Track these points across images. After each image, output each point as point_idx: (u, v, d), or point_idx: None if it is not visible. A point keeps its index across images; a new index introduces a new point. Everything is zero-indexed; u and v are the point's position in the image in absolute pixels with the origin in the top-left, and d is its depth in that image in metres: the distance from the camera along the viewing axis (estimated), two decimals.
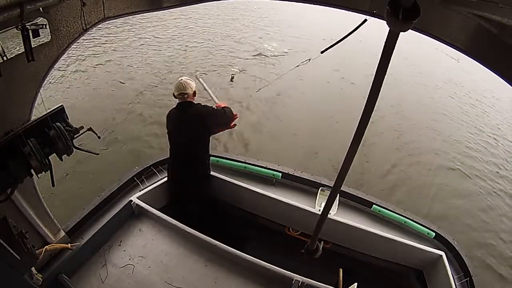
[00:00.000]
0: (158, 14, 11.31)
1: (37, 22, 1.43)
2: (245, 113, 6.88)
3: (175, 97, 2.69)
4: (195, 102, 2.71)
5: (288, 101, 7.59)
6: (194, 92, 2.67)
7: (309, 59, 1.89)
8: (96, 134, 1.91)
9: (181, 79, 2.65)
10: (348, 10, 1.68)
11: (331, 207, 1.60)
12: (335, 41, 1.44)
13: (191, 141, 2.76)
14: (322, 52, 1.55)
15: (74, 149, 1.76)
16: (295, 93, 7.93)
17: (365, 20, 1.40)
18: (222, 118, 2.75)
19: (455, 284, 2.50)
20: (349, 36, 1.42)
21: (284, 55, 10.31)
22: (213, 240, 2.40)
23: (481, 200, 5.92)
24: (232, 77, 2.86)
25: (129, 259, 2.32)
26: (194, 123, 2.68)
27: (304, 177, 3.16)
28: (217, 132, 2.89)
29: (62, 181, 4.51)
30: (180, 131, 2.74)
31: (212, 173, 3.07)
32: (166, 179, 2.97)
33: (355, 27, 1.37)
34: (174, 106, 2.77)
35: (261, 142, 6.34)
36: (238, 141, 6.23)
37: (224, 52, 9.77)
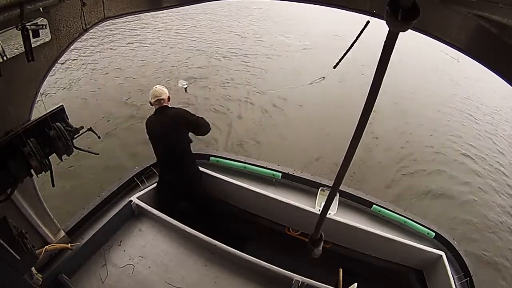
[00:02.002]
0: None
1: (37, 22, 1.43)
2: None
3: (151, 104, 2.82)
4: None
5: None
6: (169, 97, 2.84)
7: (323, 77, 1.82)
8: (96, 134, 1.91)
9: (156, 87, 2.82)
10: (348, 10, 1.67)
11: (331, 204, 1.60)
12: (344, 53, 1.40)
13: (177, 140, 2.85)
14: (334, 67, 1.49)
15: (74, 149, 1.76)
16: None
17: (368, 22, 1.39)
18: (198, 120, 2.87)
19: (455, 284, 2.50)
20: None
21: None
22: (213, 240, 2.40)
23: None
24: (186, 89, 2.98)
25: (129, 259, 2.32)
26: (177, 123, 2.79)
27: (304, 177, 3.16)
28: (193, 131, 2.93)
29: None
30: (165, 134, 2.80)
31: (211, 172, 3.07)
32: (156, 184, 2.96)
33: (359, 32, 1.33)
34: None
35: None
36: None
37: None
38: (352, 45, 1.34)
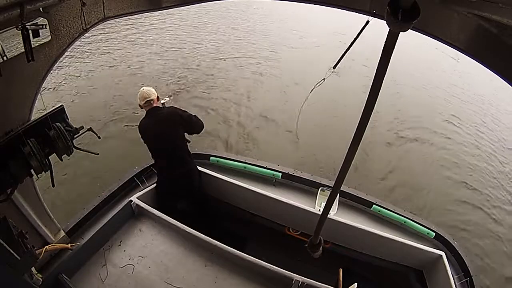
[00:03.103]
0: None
1: (37, 22, 1.42)
2: None
3: (141, 107, 2.79)
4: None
5: None
6: (158, 97, 2.81)
7: (324, 79, 1.77)
8: (96, 134, 1.91)
9: (142, 89, 2.78)
10: (348, 10, 1.67)
11: (329, 210, 1.61)
12: (343, 53, 1.38)
13: (175, 139, 2.83)
14: (334, 68, 1.48)
15: (74, 149, 1.76)
16: None
17: (368, 22, 1.38)
18: (191, 116, 2.86)
19: (455, 284, 2.50)
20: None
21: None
22: (213, 240, 2.40)
23: None
24: (164, 103, 2.96)
25: (129, 259, 2.32)
26: (172, 121, 2.77)
27: (304, 177, 3.16)
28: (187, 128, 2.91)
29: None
30: (161, 133, 2.78)
31: (212, 172, 3.07)
32: (155, 185, 2.94)
33: (358, 32, 1.32)
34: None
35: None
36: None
37: None
38: (351, 45, 1.33)
